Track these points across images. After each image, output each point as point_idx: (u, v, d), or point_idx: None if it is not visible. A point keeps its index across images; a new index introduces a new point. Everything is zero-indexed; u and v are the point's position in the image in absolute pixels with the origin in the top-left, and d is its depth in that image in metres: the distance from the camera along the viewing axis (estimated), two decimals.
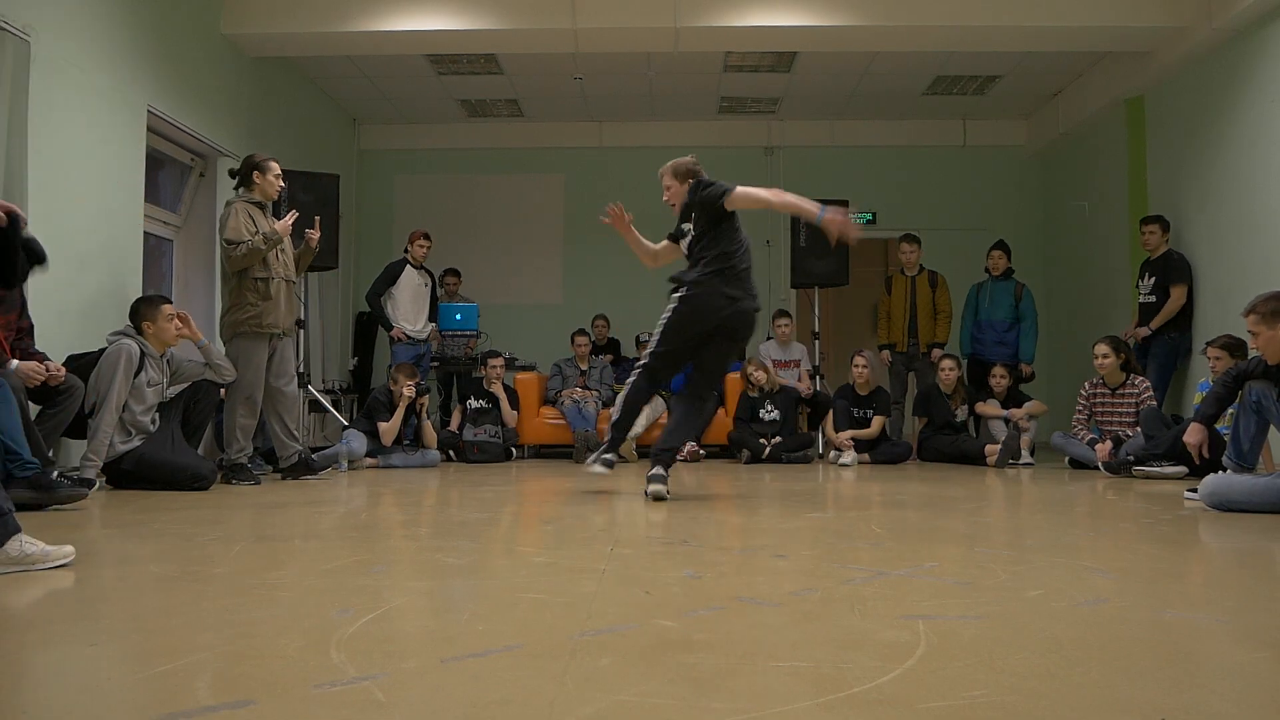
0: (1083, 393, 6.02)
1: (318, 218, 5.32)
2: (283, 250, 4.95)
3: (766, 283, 9.04)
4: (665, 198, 4.31)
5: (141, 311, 4.52)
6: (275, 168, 4.97)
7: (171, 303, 4.64)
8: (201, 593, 2.12)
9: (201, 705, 1.27)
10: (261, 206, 4.92)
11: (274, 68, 7.26)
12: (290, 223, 4.90)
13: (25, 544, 2.27)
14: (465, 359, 7.60)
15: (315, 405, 6.63)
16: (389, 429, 6.09)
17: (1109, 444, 5.56)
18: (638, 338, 7.59)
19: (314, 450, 5.52)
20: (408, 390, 6.12)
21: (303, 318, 5.97)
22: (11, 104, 4.30)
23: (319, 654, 1.51)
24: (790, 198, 3.95)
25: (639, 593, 2.07)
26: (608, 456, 4.27)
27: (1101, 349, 5.79)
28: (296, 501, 3.99)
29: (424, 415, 6.41)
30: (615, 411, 4.33)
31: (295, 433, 5.06)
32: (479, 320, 7.74)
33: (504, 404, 6.79)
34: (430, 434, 6.41)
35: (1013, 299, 7.09)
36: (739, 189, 4.00)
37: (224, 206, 4.96)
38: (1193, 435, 4.05)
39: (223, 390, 5.14)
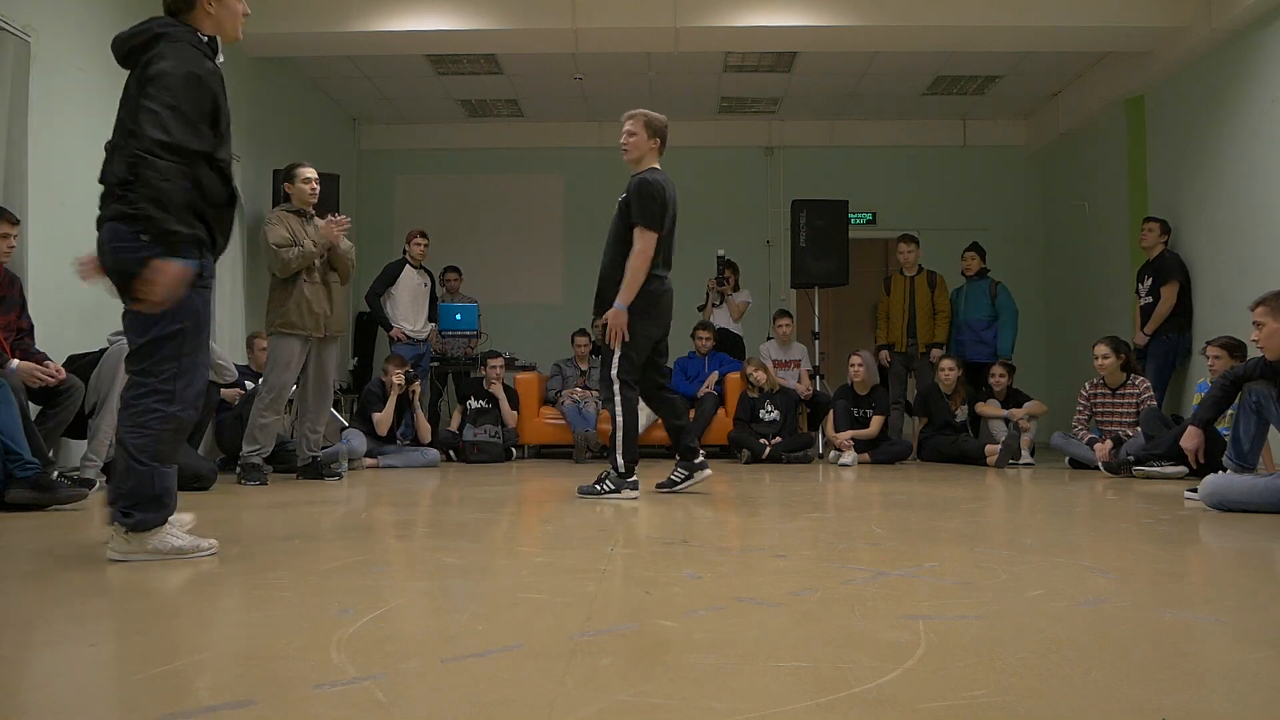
0: (1083, 393, 6.02)
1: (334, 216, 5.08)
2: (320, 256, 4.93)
3: (767, 283, 9.07)
4: (623, 141, 4.21)
5: None
6: (304, 173, 4.90)
7: None
8: (201, 593, 2.12)
9: (201, 705, 1.27)
10: (300, 214, 4.90)
11: (274, 68, 7.25)
12: (337, 227, 4.84)
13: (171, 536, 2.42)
14: (465, 359, 7.60)
15: None
16: (383, 418, 6.10)
17: (1109, 443, 5.56)
18: None
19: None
20: (397, 379, 6.13)
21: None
22: (11, 104, 4.30)
23: (319, 654, 1.51)
24: (632, 277, 3.98)
25: (639, 593, 2.07)
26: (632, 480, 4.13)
27: (1102, 349, 5.80)
28: (297, 501, 3.99)
29: (417, 405, 6.41)
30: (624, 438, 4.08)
31: (318, 438, 5.06)
32: (479, 320, 7.74)
33: (504, 404, 6.79)
34: (424, 425, 6.42)
35: (988, 297, 7.12)
36: (642, 246, 3.99)
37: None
38: (1190, 440, 4.06)
39: (222, 390, 5.15)
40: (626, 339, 3.99)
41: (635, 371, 4.07)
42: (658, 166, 4.19)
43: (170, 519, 2.46)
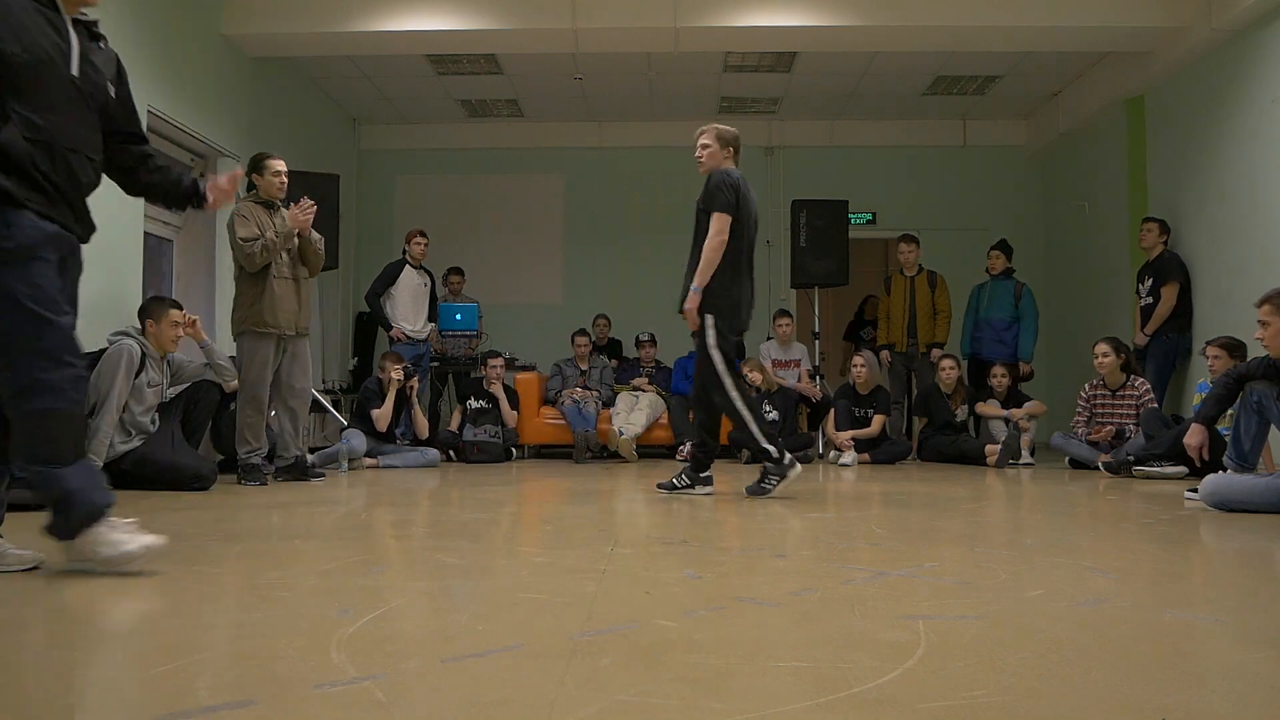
0: (1083, 394, 6.02)
1: (304, 199, 4.95)
2: (286, 250, 4.91)
3: (766, 283, 9.05)
4: (697, 155, 4.23)
5: (149, 309, 4.53)
6: (274, 165, 4.87)
7: (182, 309, 4.62)
8: (201, 593, 2.12)
9: (201, 705, 1.27)
10: (268, 206, 4.87)
11: (274, 68, 7.25)
12: (302, 214, 4.79)
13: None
14: (465, 359, 7.60)
15: (315, 405, 6.61)
16: (382, 414, 6.07)
17: (1112, 429, 5.60)
18: (637, 338, 7.59)
19: (313, 450, 5.51)
20: (396, 374, 6.12)
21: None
22: None
23: (319, 654, 1.51)
24: (707, 259, 3.99)
25: (639, 593, 2.07)
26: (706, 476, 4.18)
27: (1102, 348, 5.81)
28: (296, 501, 3.99)
29: (415, 401, 6.41)
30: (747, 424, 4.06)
31: (298, 436, 5.04)
32: (480, 321, 7.74)
33: (504, 404, 6.79)
34: (421, 421, 6.42)
35: (1012, 298, 7.08)
36: (716, 228, 4.00)
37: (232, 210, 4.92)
38: (1193, 437, 4.04)
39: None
40: (698, 322, 4.02)
41: (731, 360, 4.09)
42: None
43: (106, 521, 2.23)
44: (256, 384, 4.79)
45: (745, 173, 4.25)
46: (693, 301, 4.01)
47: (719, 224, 4.00)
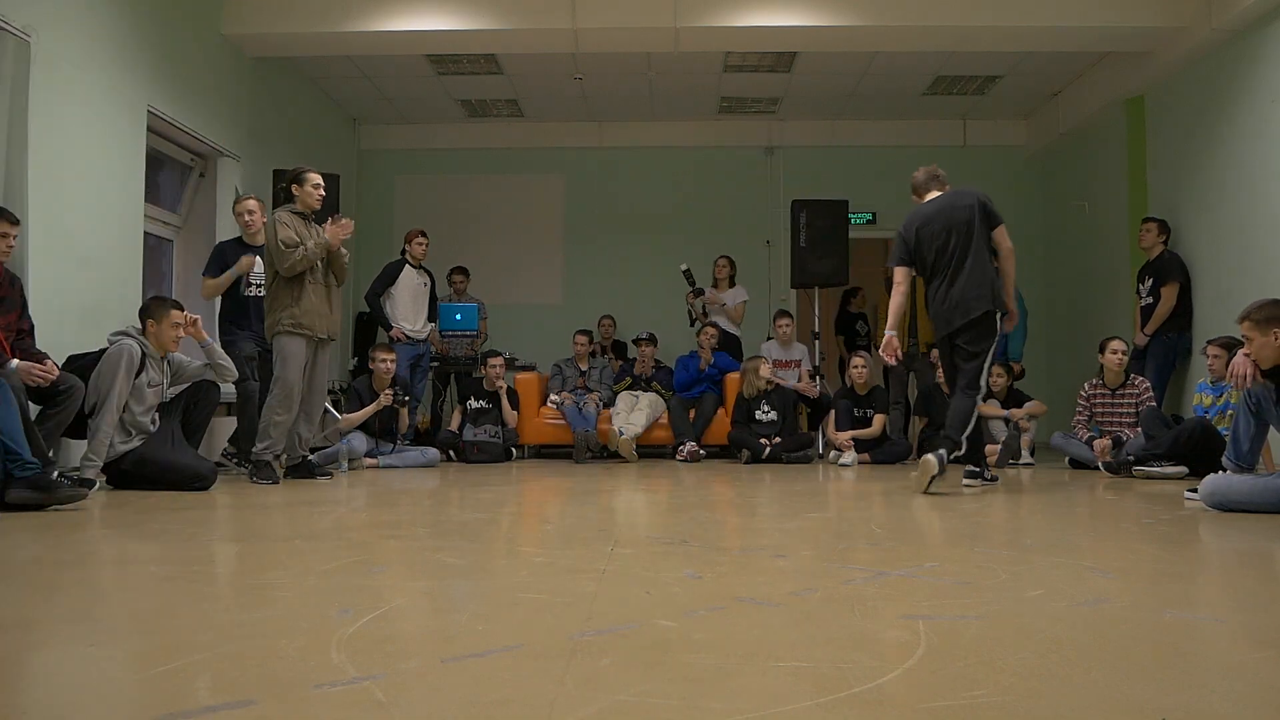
0: (1083, 393, 6.02)
1: (337, 216, 5.14)
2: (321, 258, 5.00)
3: (767, 283, 9.06)
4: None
5: (150, 309, 4.53)
6: (313, 178, 5.02)
7: (183, 309, 4.63)
8: (201, 593, 2.12)
9: (201, 705, 1.27)
10: (304, 217, 4.98)
11: (274, 68, 7.25)
12: (342, 232, 4.94)
13: None
14: (466, 359, 7.60)
15: None
16: (354, 419, 5.95)
17: (1108, 441, 5.58)
18: (636, 337, 7.59)
19: (313, 450, 5.51)
20: (386, 399, 6.04)
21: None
22: (12, 104, 4.30)
23: (319, 654, 1.51)
24: (894, 312, 4.57)
25: (639, 593, 2.07)
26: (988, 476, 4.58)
27: (1118, 344, 5.82)
28: (297, 501, 3.99)
29: (404, 415, 6.32)
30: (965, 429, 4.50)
31: (310, 438, 5.15)
32: (484, 322, 7.73)
33: (504, 404, 6.79)
34: (405, 420, 6.36)
35: None
36: (895, 280, 4.62)
37: (270, 217, 5.03)
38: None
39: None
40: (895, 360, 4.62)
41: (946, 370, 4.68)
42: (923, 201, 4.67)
43: None
44: (293, 383, 4.87)
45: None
46: (889, 346, 4.53)
47: (896, 277, 4.53)
